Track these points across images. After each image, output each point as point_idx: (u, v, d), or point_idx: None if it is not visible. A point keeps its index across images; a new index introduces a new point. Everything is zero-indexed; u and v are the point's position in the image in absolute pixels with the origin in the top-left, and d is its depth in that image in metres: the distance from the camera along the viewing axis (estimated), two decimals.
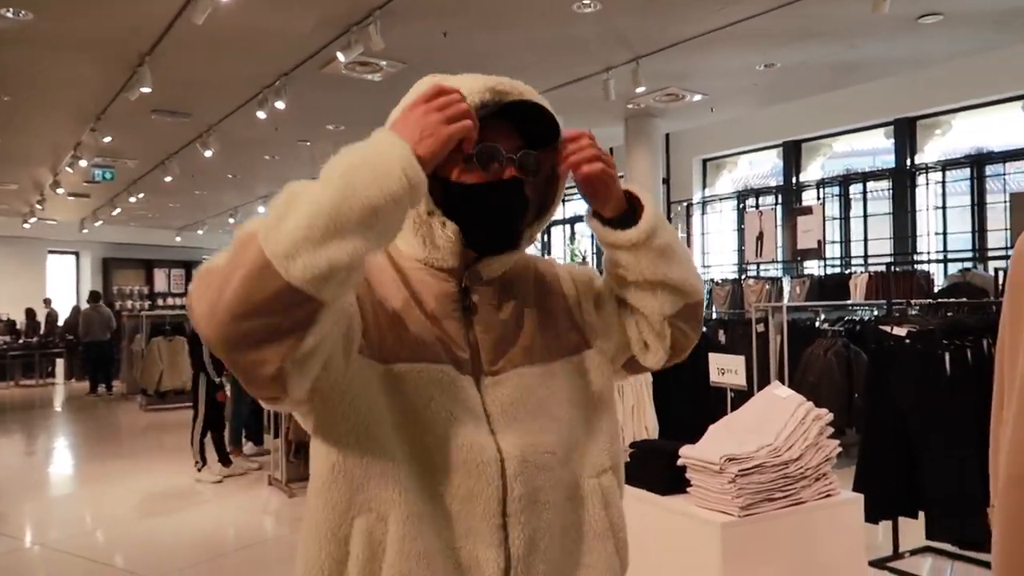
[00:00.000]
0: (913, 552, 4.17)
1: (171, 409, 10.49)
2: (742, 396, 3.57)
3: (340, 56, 6.34)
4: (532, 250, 1.30)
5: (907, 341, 3.99)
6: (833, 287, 8.68)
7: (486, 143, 1.11)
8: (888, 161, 9.55)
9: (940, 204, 8.95)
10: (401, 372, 1.09)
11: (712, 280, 10.42)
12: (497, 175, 1.12)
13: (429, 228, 1.14)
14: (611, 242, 1.20)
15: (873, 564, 4.06)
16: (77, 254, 21.15)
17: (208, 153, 9.68)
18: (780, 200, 10.44)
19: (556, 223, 14.21)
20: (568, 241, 14.12)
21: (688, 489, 2.99)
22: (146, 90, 6.98)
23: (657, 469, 3.14)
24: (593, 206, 1.21)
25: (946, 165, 8.91)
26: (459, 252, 1.15)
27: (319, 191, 0.96)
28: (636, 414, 4.90)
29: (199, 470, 6.47)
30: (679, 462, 3.02)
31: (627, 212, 1.20)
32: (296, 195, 0.98)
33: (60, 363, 15.78)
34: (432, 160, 1.01)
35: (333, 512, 1.06)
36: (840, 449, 3.07)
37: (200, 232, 20.23)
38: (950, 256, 8.56)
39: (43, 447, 8.63)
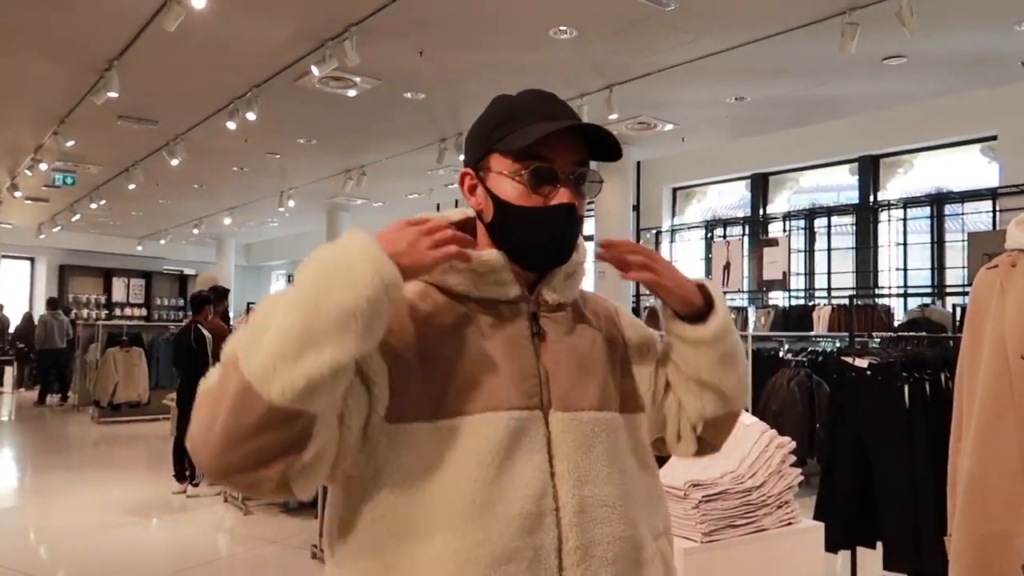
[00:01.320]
0: None
1: (125, 422, 10.22)
2: None
3: (314, 70, 6.31)
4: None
5: (868, 372, 4.03)
6: (797, 318, 8.80)
7: (541, 163, 1.10)
8: (852, 197, 9.76)
9: (901, 240, 9.15)
10: (458, 426, 1.03)
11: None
12: (549, 199, 1.12)
13: (473, 268, 1.12)
14: (676, 333, 1.20)
15: None
16: (32, 260, 20.62)
17: (175, 162, 9.53)
18: (747, 231, 10.59)
19: (586, 239, 14.21)
20: None
21: None
22: (113, 95, 6.86)
23: None
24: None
25: (908, 203, 9.13)
26: (512, 278, 1.14)
27: (292, 300, 0.94)
28: None
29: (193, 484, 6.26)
30: None
31: (698, 307, 1.20)
32: (271, 308, 0.95)
33: (8, 371, 15.31)
34: (408, 274, 1.01)
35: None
36: (802, 478, 3.08)
37: (163, 242, 19.89)
38: (910, 291, 8.75)
39: None
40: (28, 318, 15.54)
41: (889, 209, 9.26)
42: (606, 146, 1.17)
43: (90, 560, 4.67)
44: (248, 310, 13.43)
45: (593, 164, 1.20)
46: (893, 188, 9.48)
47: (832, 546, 4.01)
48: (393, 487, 1.02)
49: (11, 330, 15.77)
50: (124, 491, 6.49)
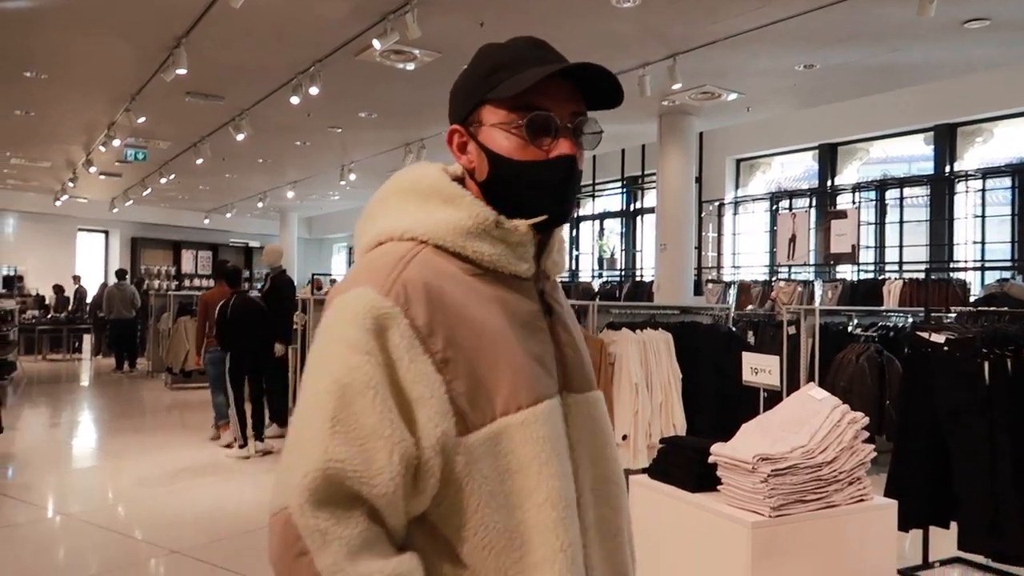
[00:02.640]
0: (943, 562, 4.08)
1: (196, 388, 10.58)
2: (773, 397, 3.51)
3: (376, 44, 6.32)
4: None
5: (945, 348, 3.89)
6: (865, 292, 8.56)
7: (539, 111, 1.01)
8: (924, 168, 9.38)
9: (979, 212, 8.77)
10: (519, 421, 0.96)
11: (741, 281, 10.33)
12: (549, 150, 1.02)
13: (504, 237, 1.02)
14: None
15: (902, 572, 3.98)
16: (106, 233, 21.44)
17: (240, 137, 9.73)
18: (814, 203, 10.29)
19: (584, 218, 14.14)
20: (597, 237, 14.04)
21: (718, 487, 2.95)
22: (181, 72, 7.02)
23: (687, 465, 3.09)
24: None
25: (986, 173, 8.72)
26: (532, 251, 1.05)
27: None
28: (664, 411, 4.84)
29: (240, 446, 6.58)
30: (710, 459, 2.97)
31: None
32: None
33: (87, 339, 16.02)
34: None
35: None
36: (875, 455, 3.01)
37: (228, 215, 20.41)
38: (988, 265, 8.40)
39: (68, 420, 8.74)
40: (104, 288, 16.18)
41: (967, 180, 8.87)
42: (605, 94, 1.06)
43: (164, 518, 4.87)
44: (311, 282, 13.77)
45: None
46: (970, 158, 9.07)
47: (904, 525, 3.92)
48: (481, 502, 0.94)
49: (88, 300, 16.49)
50: (195, 454, 6.74)
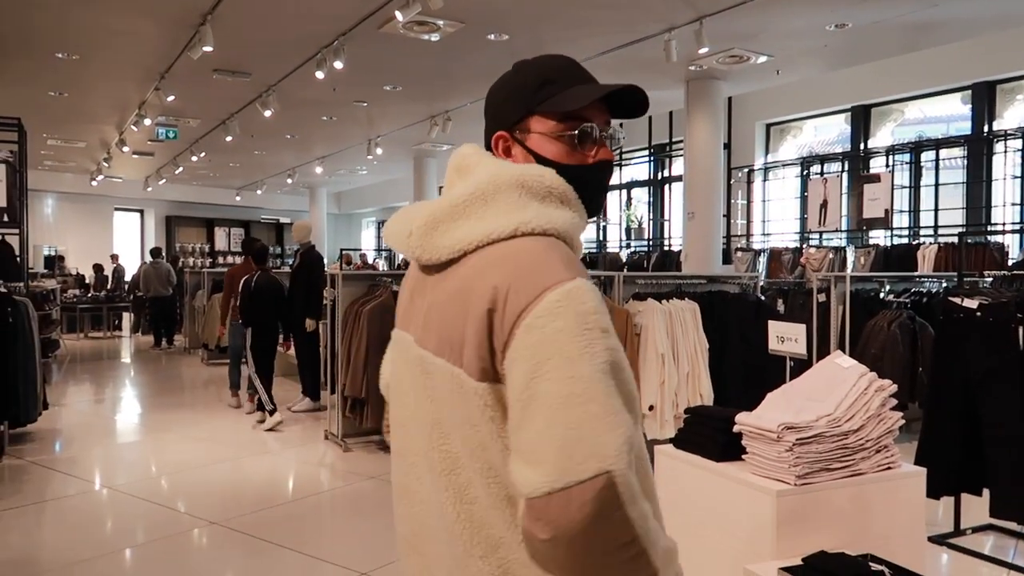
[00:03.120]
0: (975, 529, 4.06)
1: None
2: (801, 366, 3.48)
3: (398, 15, 6.30)
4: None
5: (978, 314, 3.83)
6: (899, 258, 8.41)
7: (585, 123, 1.18)
8: (963, 128, 9.13)
9: (1019, 173, 8.53)
10: None
11: (772, 248, 10.21)
12: (593, 156, 1.19)
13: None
14: None
15: (933, 540, 3.97)
16: (142, 212, 21.81)
17: (267, 113, 9.80)
18: (847, 167, 10.10)
19: (613, 188, 14.03)
20: (624, 207, 13.94)
21: (743, 456, 2.95)
22: (208, 49, 7.07)
23: (712, 435, 3.10)
24: None
25: None
26: None
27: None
28: (691, 381, 4.84)
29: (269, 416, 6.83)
30: (735, 429, 2.97)
31: None
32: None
33: (126, 317, 16.39)
34: None
35: None
36: (903, 422, 2.98)
37: (259, 192, 20.62)
38: None
39: (111, 396, 8.99)
40: (142, 266, 16.51)
41: (1005, 140, 8.62)
42: (630, 107, 1.23)
43: (206, 490, 5.02)
44: (340, 256, 13.87)
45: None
46: (1010, 117, 8.81)
47: (934, 492, 3.89)
48: None
49: (127, 278, 16.84)
50: (234, 427, 6.91)
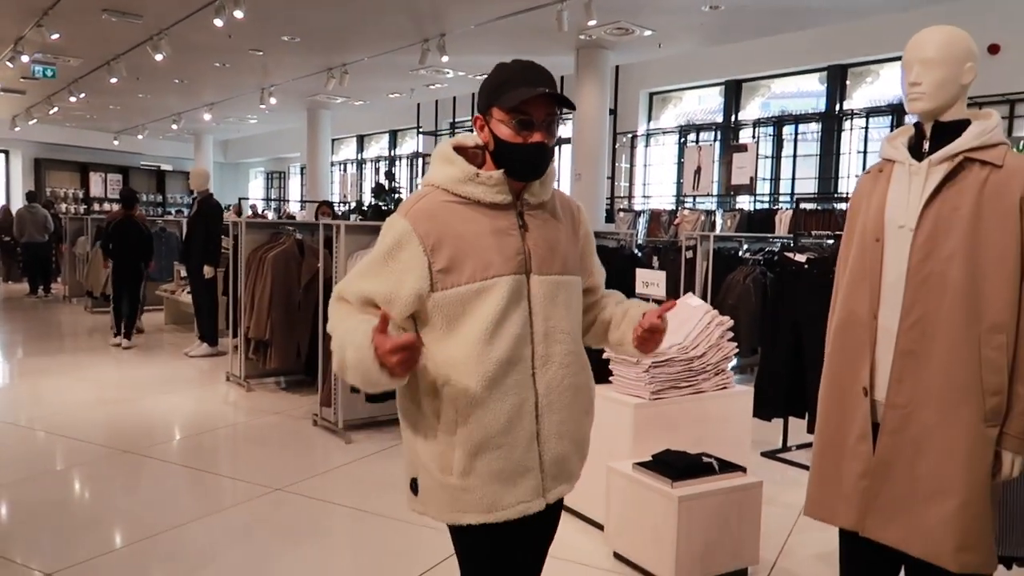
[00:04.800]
0: (799, 446, 4.89)
1: (113, 333, 10.65)
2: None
3: None
4: None
5: (806, 267, 4.60)
6: (760, 221, 9.35)
7: (523, 116, 1.65)
8: (821, 105, 10.14)
9: (862, 148, 9.63)
10: (481, 287, 1.63)
11: (653, 209, 11.01)
12: (528, 139, 1.66)
13: (484, 182, 1.68)
14: (624, 344, 1.87)
15: (765, 455, 4.77)
16: (7, 152, 20.44)
17: (159, 57, 9.61)
18: (719, 136, 10.98)
19: (563, 141, 14.49)
20: None
21: (610, 379, 3.56)
22: None
23: None
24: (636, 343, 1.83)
25: (870, 112, 9.55)
26: (507, 190, 1.69)
27: (349, 373, 1.61)
28: None
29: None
30: (604, 356, 3.58)
31: None
32: (342, 361, 1.61)
33: None
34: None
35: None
36: (737, 350, 3.67)
37: (140, 137, 19.76)
38: None
39: (1, 340, 8.79)
40: (6, 211, 15.62)
41: (852, 118, 9.68)
42: (566, 103, 1.71)
43: (112, 426, 5.21)
44: (231, 208, 13.69)
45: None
46: (860, 97, 9.87)
47: (767, 414, 4.69)
48: (445, 325, 1.65)
49: None
50: (133, 370, 7.03)
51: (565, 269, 1.74)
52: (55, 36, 9.06)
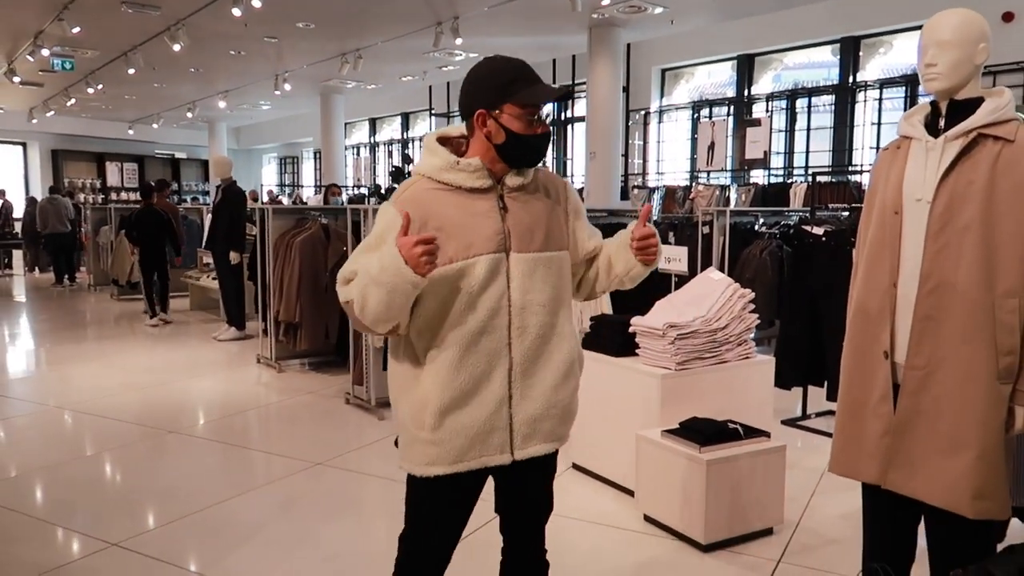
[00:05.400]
0: (818, 414, 5.03)
1: (143, 299, 10.88)
2: (683, 282, 4.24)
3: None
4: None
5: (823, 239, 4.71)
6: (775, 195, 9.42)
7: (539, 109, 1.83)
8: (834, 77, 10.15)
9: (876, 120, 9.65)
10: (462, 266, 1.78)
11: (665, 187, 11.09)
12: (538, 130, 1.85)
13: (464, 168, 1.84)
14: (631, 268, 1.98)
15: (785, 423, 4.91)
16: (24, 144, 20.70)
17: (176, 47, 9.74)
18: (732, 111, 11.01)
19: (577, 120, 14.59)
20: None
21: (636, 351, 3.71)
22: None
23: (612, 336, 3.84)
24: (638, 257, 1.96)
25: (883, 83, 9.56)
26: (486, 174, 1.84)
27: (372, 302, 1.75)
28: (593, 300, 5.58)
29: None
30: (630, 329, 3.72)
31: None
32: (364, 298, 1.76)
33: (16, 255, 15.83)
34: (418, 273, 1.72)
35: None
36: (759, 321, 3.79)
37: (155, 125, 19.94)
38: None
39: (33, 329, 9.01)
40: (33, 202, 15.87)
41: (866, 89, 9.70)
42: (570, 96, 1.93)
43: (151, 407, 5.39)
44: (253, 193, 13.83)
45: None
46: (873, 68, 9.87)
47: (787, 382, 4.82)
48: (431, 300, 1.81)
49: (15, 215, 16.18)
50: (165, 355, 7.24)
51: (547, 246, 1.88)
52: (76, 30, 9.19)
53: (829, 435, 4.76)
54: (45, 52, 10.68)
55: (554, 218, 1.92)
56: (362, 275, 1.75)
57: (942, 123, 2.08)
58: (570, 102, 13.39)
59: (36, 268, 15.03)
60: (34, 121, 18.01)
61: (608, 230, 5.97)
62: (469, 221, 1.79)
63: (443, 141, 1.90)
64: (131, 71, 11.70)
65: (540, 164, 1.95)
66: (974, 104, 2.03)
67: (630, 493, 3.62)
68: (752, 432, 3.30)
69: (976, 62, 2.03)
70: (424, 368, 1.83)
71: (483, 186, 1.83)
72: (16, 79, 12.56)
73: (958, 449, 1.99)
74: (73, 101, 15.35)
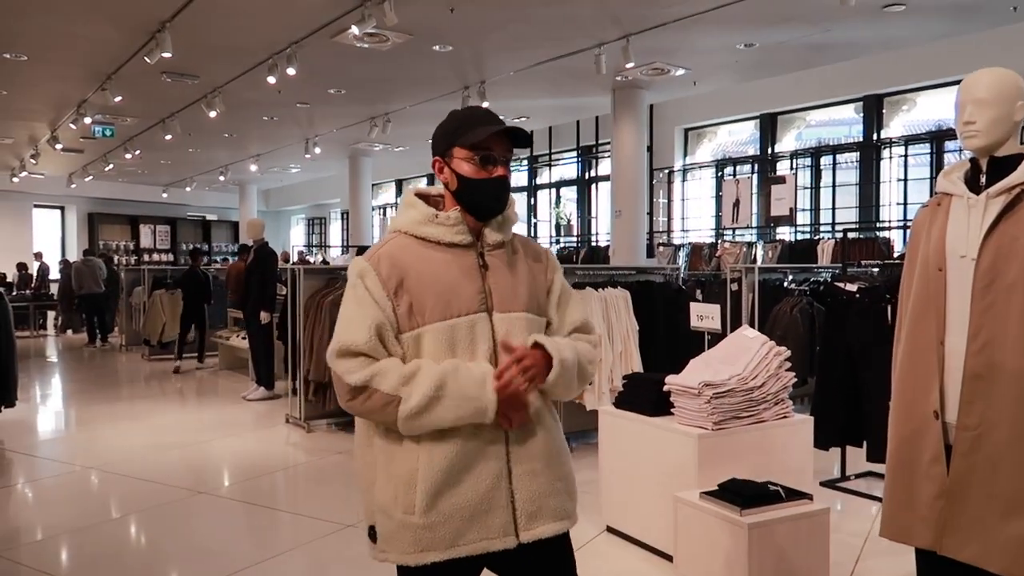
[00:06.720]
0: (858, 475, 4.89)
1: (174, 359, 11.01)
2: (716, 340, 4.20)
3: (354, 29, 6.79)
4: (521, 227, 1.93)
5: (857, 296, 4.66)
6: (802, 251, 9.39)
7: (487, 151, 1.73)
8: (857, 134, 10.21)
9: (902, 176, 9.65)
10: (446, 325, 1.69)
11: (691, 244, 11.11)
12: (492, 173, 1.74)
13: (443, 222, 1.76)
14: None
15: (824, 484, 4.77)
16: (62, 208, 21.30)
17: (212, 114, 10.05)
18: (756, 169, 11.08)
19: (542, 187, 14.78)
20: (554, 205, 14.68)
21: (672, 410, 3.66)
22: (166, 55, 7.37)
23: (647, 395, 3.80)
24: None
25: (908, 140, 9.59)
26: (467, 230, 1.76)
27: (449, 417, 1.66)
28: (623, 359, 5.54)
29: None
30: (664, 388, 3.68)
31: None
32: (433, 406, 1.66)
33: (50, 316, 16.14)
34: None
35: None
36: (795, 379, 3.74)
37: (188, 189, 20.45)
38: (909, 224, 9.29)
39: (65, 390, 9.12)
40: (67, 264, 16.26)
41: (891, 146, 9.73)
42: (523, 140, 1.79)
43: (180, 468, 5.40)
44: (285, 254, 14.05)
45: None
46: (896, 125, 9.92)
47: (824, 443, 4.71)
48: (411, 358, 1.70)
49: (51, 276, 16.56)
50: (194, 415, 7.27)
51: (528, 308, 1.78)
52: (118, 99, 9.54)
53: (871, 497, 4.65)
54: (87, 120, 11.08)
55: (536, 282, 1.83)
56: (449, 388, 1.63)
57: (983, 180, 2.08)
58: (594, 162, 13.58)
59: (69, 329, 15.28)
60: (73, 186, 18.57)
61: (637, 288, 5.97)
62: (448, 279, 1.70)
63: (422, 198, 1.83)
64: (168, 137, 12.08)
65: (503, 216, 1.82)
66: (1014, 161, 2.03)
67: (668, 557, 3.53)
68: (793, 494, 3.21)
69: (1015, 119, 2.04)
70: (406, 440, 1.68)
71: (462, 242, 1.74)
72: (58, 146, 13.01)
73: (1016, 512, 1.92)
74: (111, 166, 15.83)
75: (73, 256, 18.04)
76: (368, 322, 1.66)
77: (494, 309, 1.72)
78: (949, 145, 9.18)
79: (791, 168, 10.62)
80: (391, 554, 1.71)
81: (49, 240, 20.69)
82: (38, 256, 17.22)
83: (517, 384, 1.64)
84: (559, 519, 1.75)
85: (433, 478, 1.64)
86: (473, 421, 1.64)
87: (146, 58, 7.74)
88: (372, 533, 1.77)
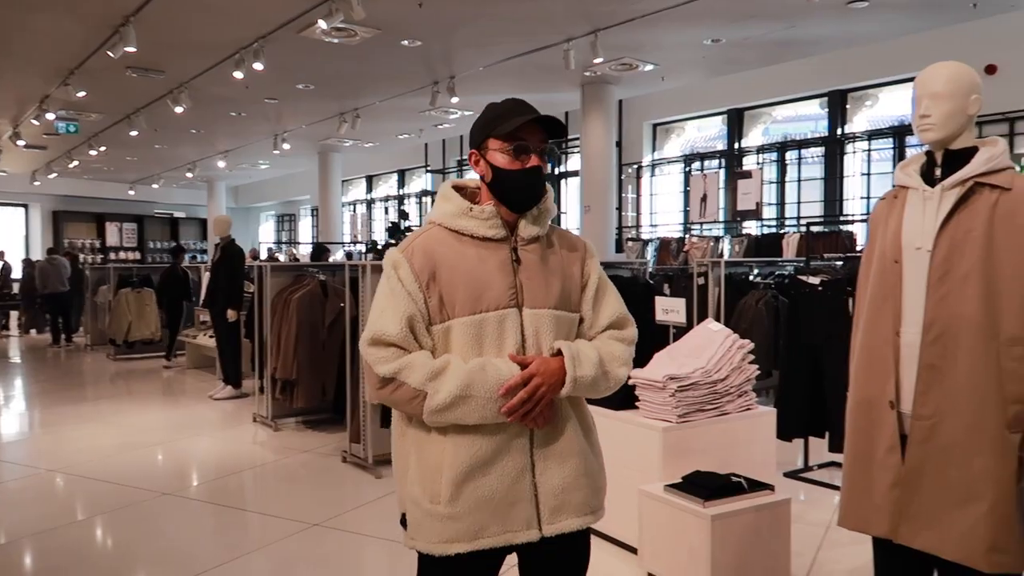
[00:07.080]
0: (820, 466, 4.97)
1: (140, 358, 10.84)
2: (681, 333, 4.24)
3: (322, 23, 6.72)
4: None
5: (819, 288, 4.73)
6: (768, 245, 9.49)
7: (520, 142, 1.74)
8: (822, 130, 10.34)
9: (865, 171, 9.79)
10: (477, 319, 1.71)
11: (659, 239, 11.18)
12: (525, 164, 1.75)
13: (477, 216, 1.77)
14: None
15: (787, 475, 4.85)
16: (26, 206, 20.86)
17: (179, 109, 9.91)
18: (723, 164, 11.18)
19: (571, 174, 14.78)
20: None
21: (637, 404, 3.68)
22: (130, 49, 7.24)
23: None
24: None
25: (872, 135, 9.73)
26: (501, 224, 1.76)
27: (474, 416, 1.68)
28: None
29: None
30: (630, 382, 3.70)
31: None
32: (461, 402, 1.68)
33: (13, 315, 15.81)
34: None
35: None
36: (759, 372, 3.78)
37: (155, 186, 20.15)
38: None
39: (30, 391, 8.93)
40: (30, 263, 15.91)
41: (855, 141, 9.87)
42: (558, 130, 1.80)
43: (146, 469, 5.32)
44: (253, 251, 13.90)
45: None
46: (860, 121, 10.06)
47: (787, 434, 4.78)
48: (443, 351, 1.73)
49: (14, 276, 16.20)
50: (160, 415, 7.17)
51: (560, 304, 1.77)
52: (81, 94, 9.36)
53: (832, 487, 4.72)
54: (50, 116, 10.86)
55: (570, 278, 1.82)
56: (475, 389, 1.65)
57: (938, 172, 2.12)
58: (564, 157, 13.61)
59: (33, 329, 14.98)
60: (36, 183, 18.20)
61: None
62: (480, 273, 1.71)
63: (458, 190, 1.83)
64: (133, 133, 11.88)
65: (539, 210, 1.81)
66: (968, 154, 2.07)
67: (632, 550, 3.56)
68: (756, 485, 3.26)
69: (969, 113, 2.07)
70: (434, 431, 1.72)
71: (496, 236, 1.74)
72: (20, 143, 12.73)
73: (970, 500, 1.97)
74: (76, 163, 15.53)
75: (37, 255, 17.68)
76: (400, 313, 1.69)
77: (524, 305, 1.73)
78: (911, 140, 9.33)
79: (757, 163, 10.73)
80: (419, 542, 1.76)
81: (12, 239, 20.25)
82: (0, 255, 16.83)
83: (523, 411, 1.67)
84: (582, 514, 1.78)
85: (458, 468, 1.68)
86: (497, 421, 1.67)
87: (109, 52, 7.60)
88: (404, 521, 1.82)
